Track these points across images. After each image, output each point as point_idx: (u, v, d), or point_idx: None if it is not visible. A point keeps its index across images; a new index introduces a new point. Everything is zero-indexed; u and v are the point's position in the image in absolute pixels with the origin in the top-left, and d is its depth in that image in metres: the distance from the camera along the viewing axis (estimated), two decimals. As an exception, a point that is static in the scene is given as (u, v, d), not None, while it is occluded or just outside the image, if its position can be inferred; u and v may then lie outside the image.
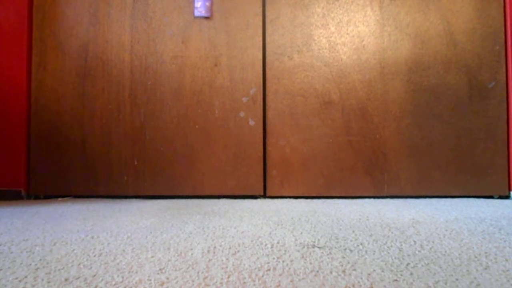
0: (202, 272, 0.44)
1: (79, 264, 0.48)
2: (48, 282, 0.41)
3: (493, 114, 1.31)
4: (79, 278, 0.42)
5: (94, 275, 0.43)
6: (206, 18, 1.34)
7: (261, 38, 1.34)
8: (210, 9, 1.33)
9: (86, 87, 1.34)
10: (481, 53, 1.31)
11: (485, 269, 0.46)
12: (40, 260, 0.50)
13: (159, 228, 0.74)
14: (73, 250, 0.56)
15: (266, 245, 0.58)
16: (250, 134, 1.32)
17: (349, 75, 1.32)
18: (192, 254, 0.53)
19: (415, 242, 0.60)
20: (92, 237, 0.65)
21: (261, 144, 1.32)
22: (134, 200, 1.28)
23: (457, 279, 0.42)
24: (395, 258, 0.51)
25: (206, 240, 0.62)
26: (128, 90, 1.33)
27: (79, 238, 0.64)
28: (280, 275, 0.43)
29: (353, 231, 0.69)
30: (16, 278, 0.42)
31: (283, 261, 0.49)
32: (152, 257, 0.51)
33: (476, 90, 1.31)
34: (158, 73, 1.33)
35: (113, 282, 0.41)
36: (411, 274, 0.43)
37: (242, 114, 1.33)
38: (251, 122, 1.32)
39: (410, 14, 1.32)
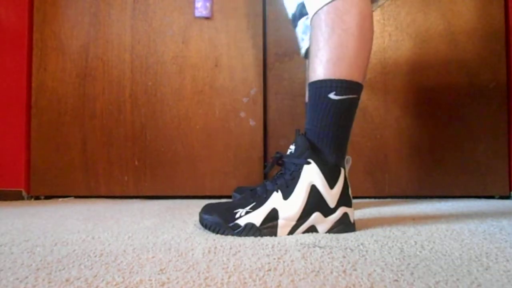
0: (203, 273, 0.44)
1: (80, 265, 0.48)
2: (49, 282, 0.41)
3: (493, 114, 1.30)
4: (80, 278, 0.42)
5: (95, 276, 0.43)
6: (207, 18, 1.34)
7: (261, 38, 1.34)
8: (211, 9, 1.33)
9: (87, 88, 1.34)
10: (482, 53, 1.31)
11: (486, 269, 0.46)
12: (41, 260, 0.50)
13: (160, 228, 0.74)
14: (74, 250, 0.56)
15: (267, 245, 0.58)
16: (250, 135, 1.32)
17: (349, 75, 1.31)
18: (193, 254, 0.53)
19: (416, 242, 0.60)
20: (93, 238, 0.65)
21: (262, 144, 1.33)
22: (135, 200, 1.28)
23: (457, 279, 0.42)
24: (396, 258, 0.51)
25: (207, 240, 0.62)
26: (128, 90, 1.34)
27: (80, 238, 0.64)
28: (280, 275, 0.43)
29: (354, 231, 0.70)
30: (17, 279, 0.43)
31: (283, 261, 0.49)
32: (153, 257, 0.52)
33: (477, 90, 1.31)
34: (159, 73, 1.34)
35: (114, 283, 0.41)
36: (412, 274, 0.43)
37: (242, 114, 1.33)
38: (252, 123, 1.32)
39: (410, 14, 1.32)
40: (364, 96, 1.31)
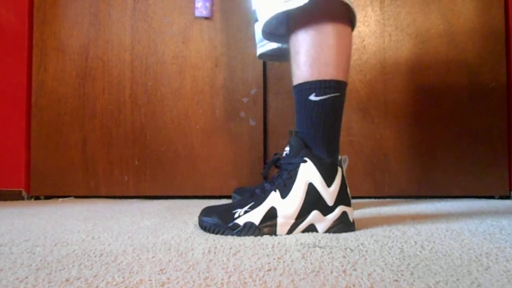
0: (203, 273, 0.44)
1: (80, 265, 0.48)
2: (49, 282, 0.41)
3: (493, 114, 1.30)
4: (80, 278, 0.43)
5: (95, 276, 0.43)
6: (207, 18, 1.34)
7: (261, 38, 1.33)
8: (211, 9, 1.33)
9: (87, 88, 1.34)
10: (482, 53, 1.31)
11: (486, 269, 0.46)
12: (41, 260, 0.50)
13: (160, 228, 0.74)
14: (74, 250, 0.56)
15: (266, 245, 0.58)
16: (250, 135, 1.32)
17: (349, 75, 1.31)
18: (193, 254, 0.53)
19: (416, 242, 0.60)
20: (93, 238, 0.65)
21: (262, 144, 1.32)
22: (135, 200, 1.28)
23: (458, 279, 0.42)
24: (396, 258, 0.51)
25: (207, 241, 0.62)
26: (128, 90, 1.34)
27: (80, 238, 0.64)
28: (280, 275, 0.43)
29: (354, 231, 0.70)
30: (17, 279, 0.43)
31: (283, 261, 0.49)
32: (153, 257, 0.52)
33: (477, 90, 1.31)
34: (159, 73, 1.34)
35: (114, 283, 0.41)
36: (412, 274, 0.43)
37: (242, 114, 1.33)
38: (252, 123, 1.32)
39: (410, 14, 1.32)
40: (364, 96, 1.31)
